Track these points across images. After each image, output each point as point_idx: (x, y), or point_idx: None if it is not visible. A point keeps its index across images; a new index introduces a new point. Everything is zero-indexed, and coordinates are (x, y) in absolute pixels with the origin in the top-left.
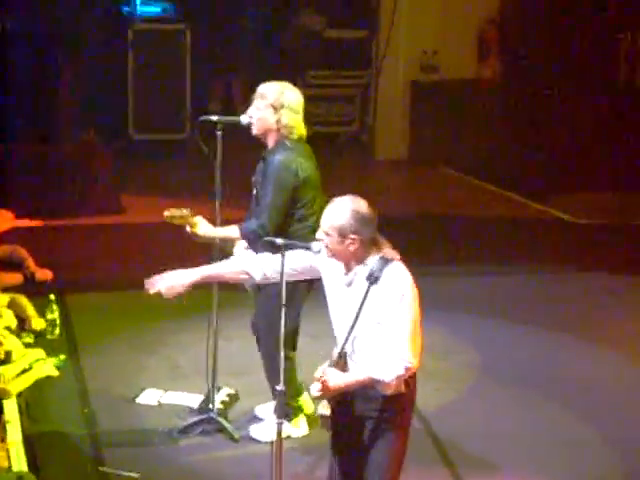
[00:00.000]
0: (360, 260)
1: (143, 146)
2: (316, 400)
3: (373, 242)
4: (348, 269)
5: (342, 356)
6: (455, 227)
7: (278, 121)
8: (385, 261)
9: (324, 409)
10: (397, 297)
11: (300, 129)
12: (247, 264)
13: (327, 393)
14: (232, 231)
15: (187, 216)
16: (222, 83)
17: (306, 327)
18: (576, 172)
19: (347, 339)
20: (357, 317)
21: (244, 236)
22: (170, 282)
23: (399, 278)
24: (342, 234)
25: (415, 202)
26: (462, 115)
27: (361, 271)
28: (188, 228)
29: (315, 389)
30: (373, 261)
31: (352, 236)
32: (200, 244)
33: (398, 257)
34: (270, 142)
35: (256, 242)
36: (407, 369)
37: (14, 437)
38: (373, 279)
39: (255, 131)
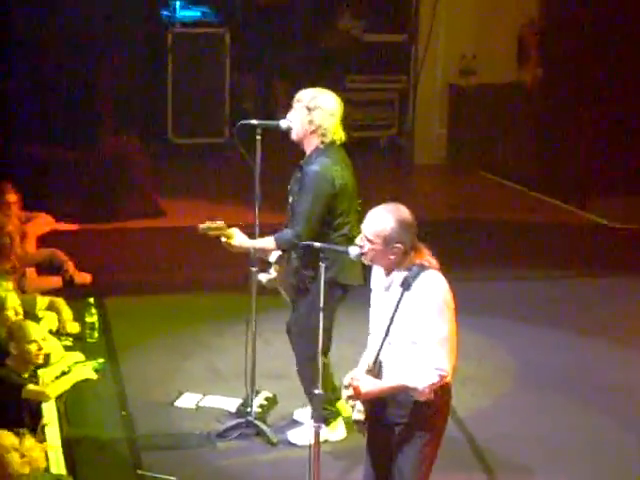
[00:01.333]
0: (400, 265)
1: (182, 149)
2: (351, 406)
3: (413, 248)
4: (388, 273)
5: (376, 363)
6: (492, 231)
7: (311, 121)
8: (421, 268)
9: (359, 414)
10: (430, 305)
11: (336, 132)
12: None
13: (358, 398)
14: (267, 242)
15: (222, 227)
16: (257, 83)
17: (345, 332)
18: (615, 176)
19: (382, 344)
20: (391, 322)
21: (279, 246)
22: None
23: (433, 286)
24: (387, 242)
25: (453, 206)
26: (501, 119)
27: (398, 276)
28: (223, 239)
29: (346, 394)
30: (411, 267)
31: (397, 245)
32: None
33: (436, 264)
34: (307, 148)
35: (291, 252)
36: (441, 377)
37: (53, 440)
38: (406, 285)
39: (294, 136)
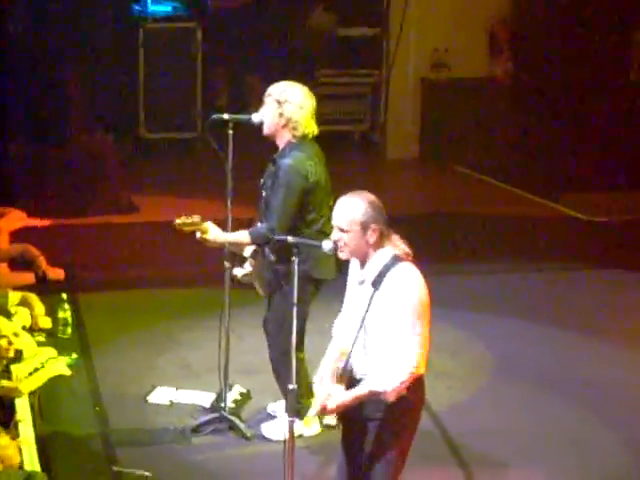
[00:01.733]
0: (377, 248)
1: (154, 145)
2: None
3: (387, 233)
4: (363, 264)
5: (347, 366)
6: (466, 226)
7: (281, 115)
8: (395, 260)
9: (330, 419)
10: (403, 301)
11: (307, 126)
12: None
13: (326, 413)
14: (242, 236)
15: (198, 223)
16: (229, 78)
17: (319, 325)
18: (589, 170)
19: (355, 339)
20: (364, 317)
21: (254, 241)
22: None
23: (406, 281)
24: (364, 226)
25: (426, 201)
26: (473, 113)
27: (373, 268)
28: (198, 234)
29: (313, 411)
30: (385, 257)
31: (373, 226)
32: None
33: (408, 251)
34: (280, 143)
35: (265, 246)
36: (410, 374)
37: (26, 436)
38: (379, 280)
39: (265, 130)
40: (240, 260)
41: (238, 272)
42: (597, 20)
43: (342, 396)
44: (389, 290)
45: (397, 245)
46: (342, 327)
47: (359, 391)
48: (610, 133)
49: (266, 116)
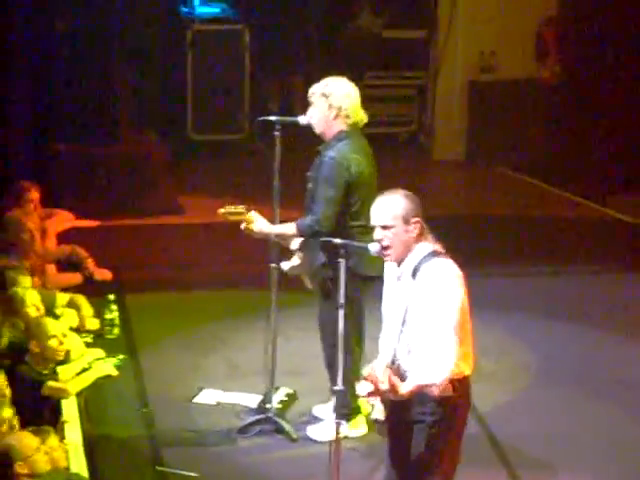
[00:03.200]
0: (419, 241)
1: (202, 146)
2: (371, 404)
3: (426, 228)
4: (399, 263)
5: (394, 362)
6: (513, 228)
7: (331, 106)
8: (432, 255)
9: (379, 413)
10: (440, 292)
11: (357, 113)
12: None
13: (376, 395)
14: (288, 228)
15: (242, 213)
16: (280, 83)
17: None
18: (634, 173)
19: (400, 337)
20: (405, 312)
21: (300, 232)
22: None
23: (443, 273)
24: (406, 220)
25: (473, 203)
26: (520, 116)
27: (410, 264)
28: (243, 225)
29: (364, 390)
30: (424, 251)
31: (415, 219)
32: (257, 243)
33: (441, 248)
34: (328, 135)
35: (311, 238)
36: (452, 368)
37: (73, 437)
38: (416, 272)
39: (317, 129)
40: (288, 254)
41: (285, 265)
42: None
43: (395, 381)
44: (428, 283)
45: (433, 241)
46: (386, 338)
47: (408, 386)
48: None
49: (314, 114)
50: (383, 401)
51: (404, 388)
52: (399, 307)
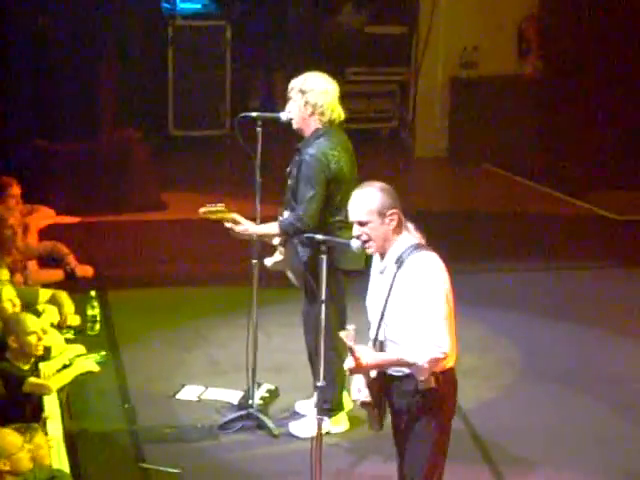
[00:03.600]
0: (397, 234)
1: (183, 142)
2: (350, 385)
3: (403, 220)
4: (383, 255)
5: (376, 343)
6: (494, 224)
7: (307, 103)
8: (415, 247)
9: (360, 395)
10: (426, 284)
11: (334, 110)
12: None
13: (359, 370)
14: (271, 227)
15: (223, 211)
16: (262, 79)
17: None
18: (617, 169)
19: (379, 326)
20: (386, 303)
21: (283, 231)
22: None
23: (427, 265)
24: (382, 214)
25: (454, 199)
26: (502, 111)
27: (392, 257)
28: (227, 224)
29: (348, 364)
30: (405, 244)
31: (391, 211)
32: (240, 240)
33: (422, 239)
34: (308, 133)
35: (295, 236)
36: (440, 356)
37: (55, 433)
38: (399, 263)
39: (294, 125)
40: (271, 249)
41: (268, 261)
42: (625, 16)
43: (374, 355)
44: (412, 275)
45: (413, 233)
46: (371, 321)
47: (391, 355)
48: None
49: (293, 110)
50: (368, 385)
51: (384, 356)
52: (379, 300)
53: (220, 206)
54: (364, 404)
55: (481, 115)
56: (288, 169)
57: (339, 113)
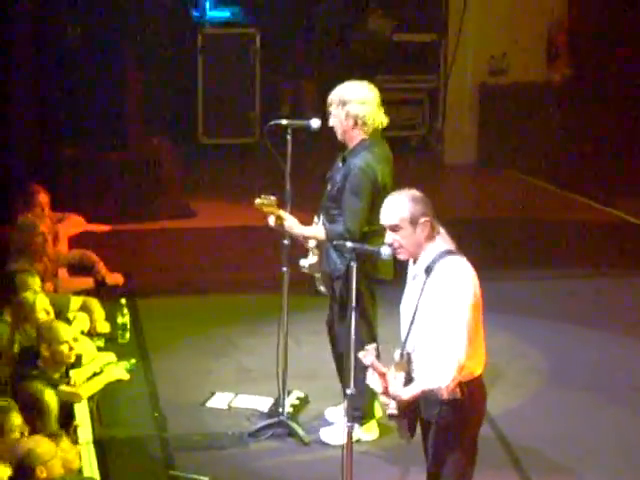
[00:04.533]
0: (430, 240)
1: (213, 150)
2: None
3: (436, 226)
4: (415, 260)
5: (404, 357)
6: (524, 230)
7: (348, 115)
8: (446, 253)
9: (392, 409)
10: (451, 290)
11: (375, 119)
12: None
13: (385, 395)
14: (318, 231)
15: (274, 204)
16: (291, 87)
17: (382, 332)
18: None
19: (408, 334)
20: (416, 309)
21: (330, 239)
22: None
23: (455, 270)
24: (413, 221)
25: (484, 206)
26: (531, 118)
27: (423, 262)
28: (272, 220)
29: (392, 408)
30: (437, 249)
31: (422, 219)
32: (268, 247)
33: (453, 244)
34: (352, 144)
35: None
36: (457, 367)
37: (85, 441)
38: (429, 270)
39: (339, 137)
40: (303, 250)
41: (304, 262)
42: None
43: (401, 390)
44: (441, 280)
45: (446, 239)
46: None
47: (413, 390)
48: None
49: (334, 123)
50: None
51: (408, 392)
52: (410, 306)
53: (272, 198)
54: (392, 416)
55: (510, 122)
56: (329, 174)
57: (381, 120)
